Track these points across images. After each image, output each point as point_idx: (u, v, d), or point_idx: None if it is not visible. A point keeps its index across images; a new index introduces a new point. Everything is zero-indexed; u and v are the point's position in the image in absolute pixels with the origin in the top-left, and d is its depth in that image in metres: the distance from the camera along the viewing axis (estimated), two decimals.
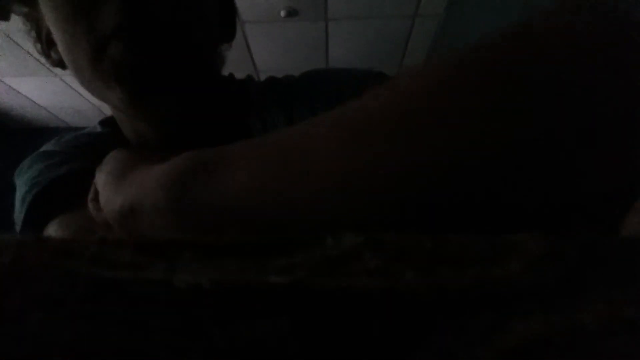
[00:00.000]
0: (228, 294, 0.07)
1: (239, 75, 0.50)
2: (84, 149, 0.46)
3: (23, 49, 2.66)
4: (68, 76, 2.97)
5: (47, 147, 0.47)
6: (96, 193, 0.29)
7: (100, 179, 0.28)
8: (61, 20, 0.35)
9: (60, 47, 0.37)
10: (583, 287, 0.09)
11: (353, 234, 0.08)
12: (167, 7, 0.34)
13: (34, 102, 3.40)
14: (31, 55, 2.71)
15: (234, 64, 0.51)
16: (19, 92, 3.25)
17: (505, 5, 1.43)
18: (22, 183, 0.42)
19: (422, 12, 2.26)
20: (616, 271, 0.08)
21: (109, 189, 0.26)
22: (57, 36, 0.37)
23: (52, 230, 0.36)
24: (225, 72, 0.48)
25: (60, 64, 0.41)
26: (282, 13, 2.30)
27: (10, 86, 3.15)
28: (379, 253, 0.08)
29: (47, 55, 0.43)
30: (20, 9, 0.42)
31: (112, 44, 0.33)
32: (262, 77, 0.50)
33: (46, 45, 0.42)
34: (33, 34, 0.43)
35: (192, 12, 0.36)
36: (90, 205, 0.30)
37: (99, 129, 0.49)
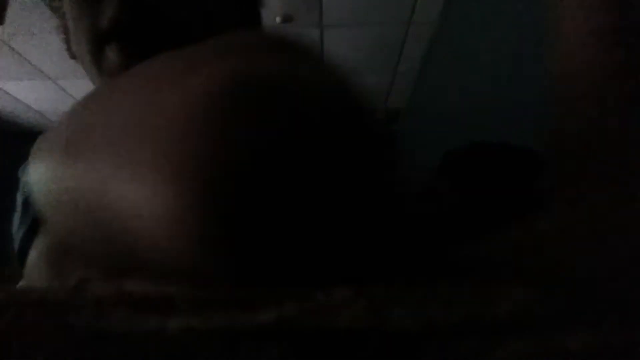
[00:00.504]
0: (219, 335, 0.08)
1: None
2: None
3: (18, 53, 2.64)
4: (63, 80, 2.96)
5: None
6: None
7: None
8: (70, 11, 0.34)
9: (72, 40, 0.37)
10: (568, 322, 0.09)
11: (343, 286, 0.09)
12: (170, 5, 0.32)
13: (29, 106, 3.38)
14: (26, 59, 2.70)
15: None
16: (13, 96, 3.23)
17: (499, 13, 1.45)
18: (24, 185, 0.42)
19: (416, 19, 2.28)
20: (598, 311, 0.09)
21: None
22: (70, 29, 0.37)
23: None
24: None
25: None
26: (278, 19, 2.31)
27: (4, 90, 3.13)
28: (369, 301, 0.08)
29: (68, 48, 0.43)
30: (52, 3, 0.42)
31: (110, 45, 0.32)
32: None
33: (68, 38, 0.42)
34: (61, 28, 0.43)
35: (197, 14, 0.34)
36: None
37: None
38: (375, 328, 0.08)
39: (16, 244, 0.41)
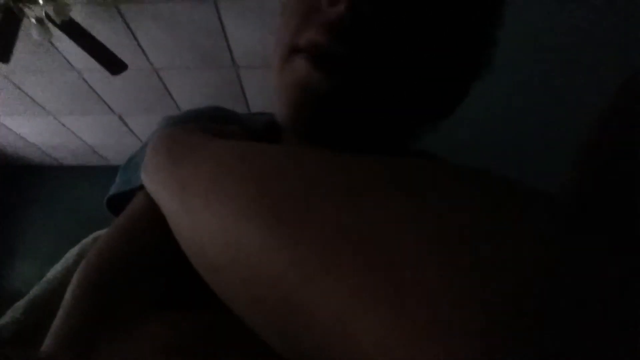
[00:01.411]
0: None
1: None
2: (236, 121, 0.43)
3: (19, 88, 2.69)
4: (63, 116, 3.00)
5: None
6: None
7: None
8: (286, 15, 0.34)
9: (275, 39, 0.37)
10: None
11: None
12: (378, 50, 0.30)
13: (27, 140, 3.40)
14: (27, 94, 2.75)
15: (229, 105, 0.52)
16: (12, 131, 3.26)
17: None
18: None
19: None
20: None
21: None
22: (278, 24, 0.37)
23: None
24: None
25: None
26: None
27: (4, 125, 3.17)
28: None
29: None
30: None
31: (300, 55, 0.31)
32: None
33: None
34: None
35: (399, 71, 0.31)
36: None
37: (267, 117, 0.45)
38: None
39: (117, 187, 0.40)
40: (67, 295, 0.29)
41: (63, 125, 3.14)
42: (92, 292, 0.29)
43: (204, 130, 0.33)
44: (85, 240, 0.47)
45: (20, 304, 0.42)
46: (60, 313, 0.28)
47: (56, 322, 0.28)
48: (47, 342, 0.27)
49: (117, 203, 0.39)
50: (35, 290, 0.43)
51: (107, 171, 3.85)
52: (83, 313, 0.27)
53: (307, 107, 0.32)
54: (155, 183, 0.29)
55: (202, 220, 0.22)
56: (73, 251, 0.46)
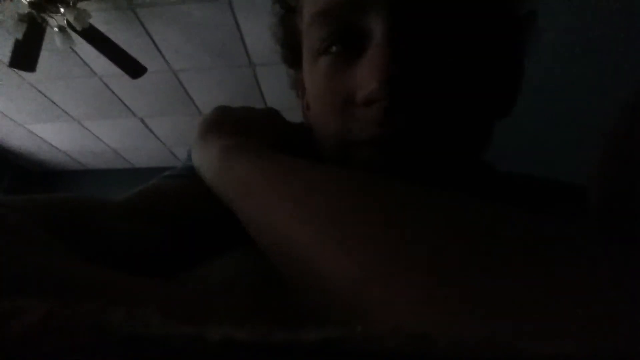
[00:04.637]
0: (262, 348, 0.07)
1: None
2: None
3: (46, 96, 2.77)
4: (87, 121, 3.08)
5: None
6: None
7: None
8: (319, 107, 0.34)
9: (312, 119, 0.37)
10: None
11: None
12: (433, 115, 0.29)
13: (54, 146, 3.50)
14: (52, 101, 2.83)
15: (247, 104, 0.52)
16: (40, 137, 3.36)
17: None
18: None
19: None
20: None
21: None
22: (312, 109, 0.37)
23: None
24: None
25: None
26: None
27: (32, 132, 3.27)
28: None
29: (306, 106, 0.40)
30: (287, 64, 0.41)
31: (363, 149, 0.31)
32: None
33: (303, 101, 0.41)
34: (294, 87, 0.43)
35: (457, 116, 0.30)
36: None
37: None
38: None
39: None
40: None
41: (87, 130, 3.21)
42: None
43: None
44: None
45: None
46: None
47: None
48: None
49: None
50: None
51: (131, 174, 3.94)
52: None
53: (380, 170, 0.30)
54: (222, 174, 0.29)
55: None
56: None
